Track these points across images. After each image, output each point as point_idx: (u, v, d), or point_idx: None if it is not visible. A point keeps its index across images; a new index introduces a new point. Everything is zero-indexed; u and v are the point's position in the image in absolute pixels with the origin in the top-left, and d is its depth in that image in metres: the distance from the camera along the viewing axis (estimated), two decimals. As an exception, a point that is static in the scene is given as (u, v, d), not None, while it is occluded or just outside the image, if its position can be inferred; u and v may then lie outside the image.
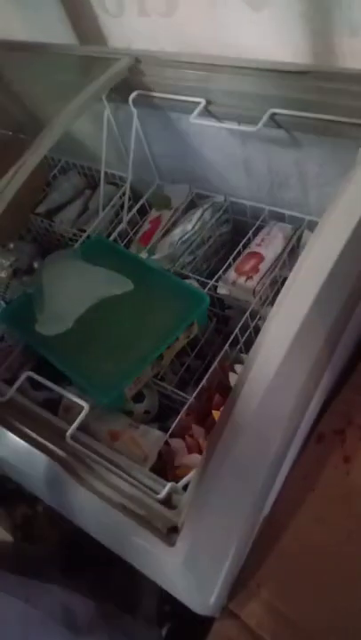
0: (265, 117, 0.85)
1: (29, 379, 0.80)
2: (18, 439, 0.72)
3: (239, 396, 0.63)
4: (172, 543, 0.58)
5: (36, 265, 1.27)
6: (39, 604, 0.65)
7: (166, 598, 1.14)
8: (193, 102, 0.93)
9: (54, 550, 1.36)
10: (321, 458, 0.61)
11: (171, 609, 1.14)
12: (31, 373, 0.79)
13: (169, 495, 0.64)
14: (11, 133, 1.30)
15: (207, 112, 0.92)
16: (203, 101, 0.92)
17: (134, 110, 1.01)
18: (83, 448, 0.70)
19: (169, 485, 0.64)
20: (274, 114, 0.85)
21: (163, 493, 0.64)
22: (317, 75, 0.84)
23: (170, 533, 0.59)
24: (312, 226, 0.98)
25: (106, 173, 1.14)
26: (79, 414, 0.73)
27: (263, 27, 0.94)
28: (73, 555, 1.31)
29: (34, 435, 0.73)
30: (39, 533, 1.45)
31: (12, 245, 1.29)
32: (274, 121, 0.87)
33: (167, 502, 0.63)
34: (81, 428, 0.74)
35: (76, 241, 1.12)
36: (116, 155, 1.13)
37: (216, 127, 0.93)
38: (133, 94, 0.99)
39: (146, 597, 1.15)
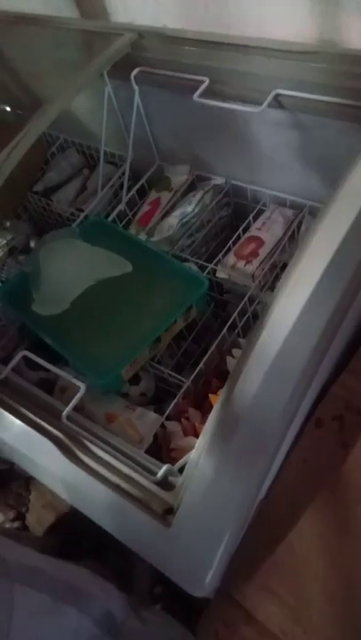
0: (269, 98, 0.83)
1: (25, 358, 0.79)
2: (13, 418, 0.72)
3: (237, 380, 0.63)
4: (167, 524, 0.58)
5: (32, 244, 1.25)
6: (90, 611, 0.65)
7: (158, 580, 1.15)
8: (196, 81, 0.91)
9: (51, 534, 1.37)
10: (319, 443, 0.61)
11: (162, 591, 1.15)
12: (27, 353, 0.79)
13: (165, 477, 0.64)
14: (9, 109, 1.28)
15: (211, 91, 0.90)
16: (207, 80, 0.90)
17: (136, 88, 0.99)
18: (78, 428, 0.70)
19: (165, 467, 0.64)
20: (278, 94, 0.84)
21: (159, 475, 0.64)
22: (323, 56, 0.82)
23: (166, 515, 0.59)
24: (313, 211, 0.97)
25: (105, 152, 1.12)
26: (75, 395, 0.73)
27: (269, 6, 0.92)
28: (68, 538, 1.32)
29: (29, 414, 0.72)
30: (34, 516, 1.45)
31: (8, 224, 1.27)
32: (278, 102, 0.85)
33: (163, 484, 0.63)
34: (77, 409, 0.73)
35: (74, 221, 1.10)
36: (115, 133, 1.11)
37: (219, 107, 0.91)
38: (135, 71, 0.97)
39: (138, 579, 1.16)
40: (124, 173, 1.11)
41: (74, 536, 1.29)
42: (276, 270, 0.96)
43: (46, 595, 0.59)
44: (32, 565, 0.63)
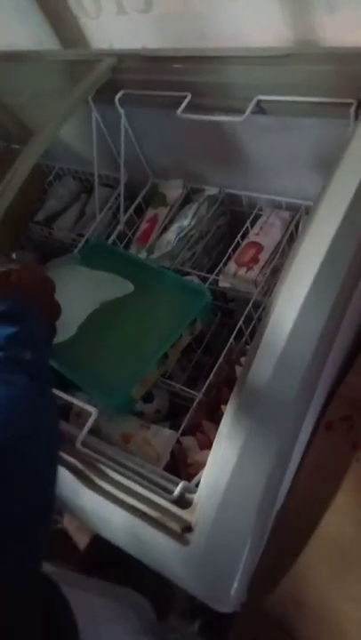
0: (251, 105, 0.84)
1: (37, 388, 0.80)
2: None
3: (243, 388, 0.63)
4: (186, 542, 0.58)
5: (38, 273, 1.27)
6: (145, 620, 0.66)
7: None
8: (179, 96, 0.92)
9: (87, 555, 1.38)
10: (330, 446, 0.61)
11: (201, 603, 1.14)
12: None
13: (182, 494, 0.64)
14: (4, 144, 1.31)
15: (194, 105, 0.91)
16: (189, 95, 0.91)
17: (122, 110, 1.01)
18: (93, 453, 0.70)
19: (181, 485, 0.64)
20: (260, 101, 0.84)
21: (175, 493, 0.64)
22: (300, 57, 0.82)
23: (184, 533, 0.59)
24: (309, 210, 0.97)
25: (100, 176, 1.14)
26: (88, 420, 0.73)
27: (241, 14, 0.92)
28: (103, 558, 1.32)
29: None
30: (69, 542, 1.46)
31: (14, 255, 1.30)
32: (261, 108, 0.86)
33: (180, 501, 0.63)
34: (93, 432, 0.74)
35: (76, 246, 1.12)
36: (107, 156, 1.12)
37: (204, 120, 0.91)
38: (119, 94, 0.98)
39: (179, 591, 1.16)
40: (119, 195, 1.13)
41: (109, 555, 1.30)
42: (279, 274, 0.96)
43: (119, 604, 0.60)
44: (95, 580, 0.64)
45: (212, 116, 0.90)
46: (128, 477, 0.67)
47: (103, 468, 0.69)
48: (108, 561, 1.30)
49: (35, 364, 0.52)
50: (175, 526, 0.60)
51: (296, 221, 0.98)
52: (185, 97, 0.91)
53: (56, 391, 0.78)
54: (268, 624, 0.58)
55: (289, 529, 0.58)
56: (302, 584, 0.56)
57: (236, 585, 0.57)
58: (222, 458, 0.60)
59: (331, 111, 0.80)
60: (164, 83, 0.95)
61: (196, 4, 0.97)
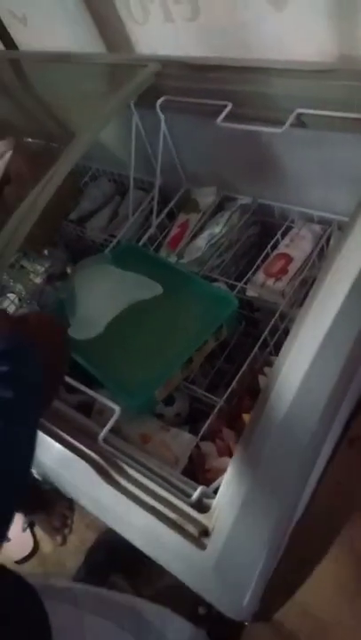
0: (291, 118, 0.84)
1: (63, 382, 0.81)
2: (52, 441, 0.74)
3: (268, 399, 0.63)
4: (203, 547, 0.58)
5: (68, 271, 1.30)
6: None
7: (202, 601, 1.15)
8: (220, 105, 0.93)
9: (93, 552, 1.39)
10: (353, 462, 0.60)
11: (206, 612, 1.14)
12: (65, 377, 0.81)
13: (200, 499, 0.64)
14: (44, 143, 1.34)
15: (234, 115, 0.92)
16: (229, 105, 0.91)
17: (162, 116, 1.02)
18: (114, 450, 0.71)
19: (200, 489, 0.64)
20: (300, 114, 0.85)
21: (194, 497, 0.64)
22: (343, 73, 0.82)
23: (201, 537, 0.60)
24: (342, 226, 0.97)
25: (135, 179, 1.15)
26: (111, 417, 0.74)
27: (286, 26, 0.93)
28: (109, 556, 1.33)
29: (67, 437, 0.75)
30: (78, 537, 1.48)
31: (46, 252, 1.32)
32: (300, 121, 0.86)
33: (198, 505, 0.64)
34: (113, 431, 0.75)
35: (107, 246, 1.13)
36: (144, 160, 1.14)
37: (243, 130, 0.92)
38: (161, 100, 1.00)
39: (180, 599, 1.16)
40: (153, 198, 1.14)
41: (115, 553, 1.30)
42: (307, 286, 0.96)
43: (112, 622, 0.60)
44: (97, 592, 0.64)
45: (252, 126, 0.91)
46: (147, 477, 0.68)
47: (123, 465, 0.70)
48: (114, 561, 1.31)
49: (12, 406, 0.48)
50: (192, 530, 0.60)
51: (328, 235, 0.98)
52: (225, 106, 0.92)
53: (82, 387, 0.80)
54: (279, 636, 0.58)
55: (306, 542, 0.58)
56: (318, 599, 0.56)
57: (249, 593, 0.57)
58: (244, 466, 0.60)
59: (371, 128, 0.81)
60: (206, 91, 0.96)
61: (242, 14, 0.98)
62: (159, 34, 1.13)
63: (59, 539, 1.50)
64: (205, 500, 0.64)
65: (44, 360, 0.53)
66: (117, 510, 0.66)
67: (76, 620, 0.58)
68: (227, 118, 0.91)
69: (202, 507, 0.63)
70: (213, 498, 0.64)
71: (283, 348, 0.66)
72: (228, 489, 0.60)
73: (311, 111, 0.84)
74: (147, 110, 1.04)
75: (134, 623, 0.66)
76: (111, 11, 1.14)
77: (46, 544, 1.53)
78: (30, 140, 1.29)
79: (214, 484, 0.66)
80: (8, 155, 1.10)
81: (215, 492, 0.65)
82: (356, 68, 0.86)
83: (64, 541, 1.50)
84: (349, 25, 0.89)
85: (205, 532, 0.60)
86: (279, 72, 0.89)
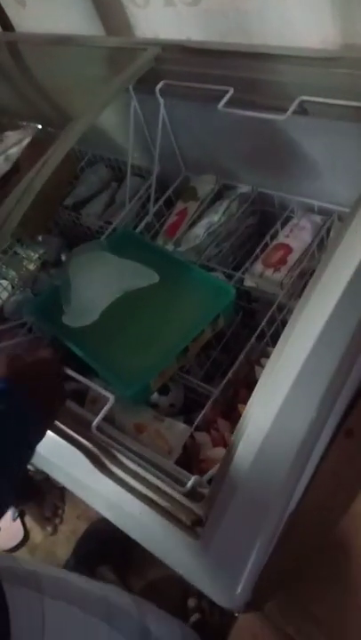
0: (294, 105, 0.83)
1: (56, 370, 0.80)
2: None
3: (265, 390, 0.62)
4: (196, 536, 0.58)
5: (63, 257, 1.28)
6: (121, 626, 0.65)
7: (192, 592, 1.15)
8: (221, 91, 0.91)
9: (84, 542, 1.38)
10: (350, 454, 0.60)
11: (196, 604, 1.14)
12: (58, 364, 0.80)
13: (194, 488, 0.64)
14: (40, 127, 1.32)
15: (235, 101, 0.90)
16: (231, 90, 0.90)
17: (161, 100, 1.00)
18: (108, 439, 0.70)
19: (194, 478, 0.64)
20: (303, 101, 0.83)
21: (188, 486, 0.63)
22: (347, 61, 0.81)
23: (194, 526, 0.59)
24: (343, 217, 0.96)
25: (132, 165, 1.13)
26: (105, 406, 0.73)
27: (289, 13, 0.91)
28: (100, 545, 1.33)
29: (60, 425, 0.73)
30: (69, 527, 1.47)
31: (40, 238, 1.31)
32: (303, 108, 0.85)
33: (192, 495, 0.63)
34: (107, 420, 0.74)
35: (103, 233, 1.12)
36: (142, 146, 1.12)
37: (244, 116, 0.91)
38: (160, 84, 0.98)
39: (171, 590, 1.16)
40: (151, 185, 1.12)
41: (106, 544, 1.30)
42: (306, 278, 0.95)
43: (77, 607, 0.59)
44: (63, 577, 0.63)
45: (253, 112, 0.89)
46: (141, 466, 0.67)
47: (117, 454, 0.69)
48: (104, 551, 1.31)
49: None
50: (186, 519, 0.60)
51: (328, 226, 0.97)
52: (227, 91, 0.90)
53: (75, 375, 0.78)
54: (271, 626, 0.57)
55: (301, 533, 0.57)
56: (312, 591, 0.55)
57: (242, 583, 0.56)
58: (238, 456, 0.60)
59: (374, 117, 0.79)
60: (207, 76, 0.94)
61: (245, 0, 0.96)
62: (160, 18, 1.10)
63: (49, 528, 1.50)
64: (199, 490, 0.64)
65: (37, 404, 0.56)
66: (110, 499, 0.65)
67: (35, 602, 0.57)
68: (228, 104, 0.90)
69: (195, 496, 0.63)
70: (207, 487, 0.63)
71: (280, 340, 0.65)
72: (222, 479, 0.59)
73: (314, 99, 0.82)
74: (146, 95, 1.02)
75: (102, 608, 0.65)
76: (111, -7, 1.12)
77: (37, 534, 1.53)
78: (26, 123, 1.26)
79: (208, 474, 0.66)
80: (26, 142, 1.07)
81: (209, 481, 0.64)
82: (360, 56, 0.84)
83: (55, 531, 1.50)
84: (353, 13, 0.88)
85: (199, 522, 0.59)
86: (282, 59, 0.88)
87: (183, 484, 0.64)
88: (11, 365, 0.59)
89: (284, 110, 0.83)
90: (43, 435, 0.60)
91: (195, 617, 1.07)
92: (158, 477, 0.65)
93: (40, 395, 0.57)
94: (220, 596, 0.58)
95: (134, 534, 0.64)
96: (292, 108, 0.83)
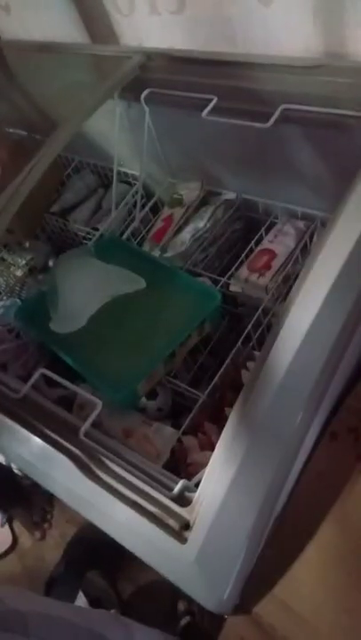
0: (277, 113, 0.84)
1: (44, 376, 0.80)
2: (32, 435, 0.73)
3: (251, 393, 0.63)
4: (184, 540, 0.58)
5: (50, 263, 1.28)
6: None
7: (182, 596, 1.15)
8: (205, 99, 0.92)
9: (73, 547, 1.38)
10: (335, 456, 0.61)
11: (185, 608, 1.14)
12: (45, 371, 0.80)
13: (181, 492, 0.64)
14: (26, 134, 1.32)
15: (219, 109, 0.91)
16: (215, 98, 0.91)
17: (146, 108, 1.01)
18: (96, 445, 0.71)
19: (181, 482, 0.64)
20: (286, 109, 0.85)
21: (175, 490, 0.64)
22: (329, 69, 0.83)
23: (182, 530, 0.60)
24: (326, 222, 0.97)
25: (119, 172, 1.14)
26: (93, 412, 0.74)
27: (273, 21, 0.93)
28: (89, 550, 1.32)
29: (48, 431, 0.74)
30: (58, 531, 1.46)
31: (27, 244, 1.31)
32: (286, 116, 0.86)
33: (180, 499, 0.64)
34: (95, 425, 0.74)
35: (90, 239, 1.12)
36: (128, 153, 1.13)
37: (228, 123, 0.92)
38: (145, 92, 0.99)
39: (160, 594, 1.16)
40: (137, 192, 1.13)
41: (95, 548, 1.30)
42: (290, 282, 0.96)
43: None
44: (50, 615, 0.61)
45: (237, 120, 0.91)
46: (129, 471, 0.67)
47: (105, 460, 0.69)
48: (93, 556, 1.30)
49: None
50: (174, 523, 0.60)
51: (311, 232, 0.98)
52: (211, 100, 0.91)
53: (62, 381, 0.79)
54: (259, 629, 0.58)
55: (287, 535, 0.58)
56: (298, 593, 0.56)
57: (230, 587, 0.57)
58: (225, 460, 0.60)
59: (355, 125, 0.81)
60: (191, 84, 0.95)
61: (228, 7, 0.97)
62: (144, 26, 1.11)
63: (38, 534, 1.49)
64: (187, 494, 0.64)
65: None
66: (98, 505, 0.66)
67: None
68: (212, 112, 0.91)
69: (183, 500, 0.63)
70: (195, 491, 0.64)
71: (265, 343, 0.66)
72: (209, 483, 0.60)
73: (297, 107, 0.84)
74: (131, 102, 1.03)
75: None
76: (96, 1, 1.12)
77: (26, 539, 1.52)
78: (12, 130, 1.27)
79: (196, 478, 0.66)
80: None
81: (197, 485, 0.65)
82: (342, 64, 0.86)
83: (43, 536, 1.49)
84: (336, 21, 0.89)
85: (187, 526, 0.60)
86: (265, 67, 0.89)
87: (171, 489, 0.64)
88: None
89: (267, 118, 0.85)
90: None
91: (185, 620, 1.07)
92: (146, 482, 0.65)
93: None
94: (209, 601, 0.58)
95: (122, 540, 0.64)
96: (274, 117, 0.84)
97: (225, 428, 0.63)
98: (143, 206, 1.14)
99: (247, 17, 0.97)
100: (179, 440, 0.81)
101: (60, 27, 1.26)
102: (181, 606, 1.14)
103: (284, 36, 0.94)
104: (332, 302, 0.65)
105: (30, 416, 0.76)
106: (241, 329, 0.97)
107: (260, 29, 0.96)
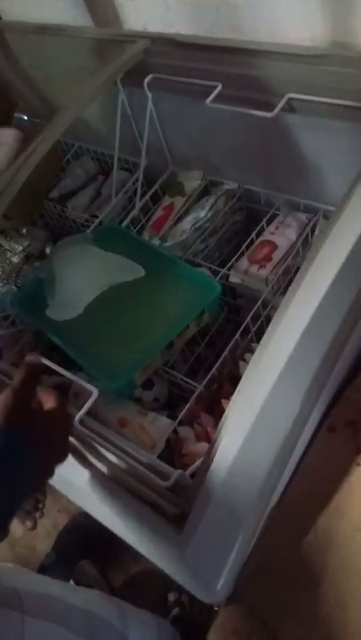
0: (282, 102, 0.83)
1: (40, 363, 0.79)
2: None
3: (249, 385, 0.62)
4: (178, 530, 0.58)
5: (48, 250, 1.27)
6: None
7: (172, 586, 1.15)
8: (209, 86, 0.91)
9: (64, 536, 1.37)
10: (333, 449, 0.61)
11: (176, 598, 1.15)
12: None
13: (177, 482, 0.63)
14: (25, 118, 1.30)
15: (223, 96, 0.90)
16: (219, 85, 0.90)
17: (149, 94, 1.00)
18: (91, 433, 0.70)
19: (177, 473, 0.64)
20: (291, 98, 0.84)
21: (171, 480, 0.63)
22: (336, 59, 0.81)
23: (177, 520, 0.59)
24: (328, 215, 0.97)
25: (119, 159, 1.12)
26: (88, 400, 0.73)
27: (280, 10, 0.92)
28: (81, 539, 1.32)
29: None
30: (50, 520, 1.46)
31: (24, 230, 1.29)
32: (291, 106, 0.85)
33: (175, 489, 0.63)
34: (90, 413, 0.73)
35: (89, 227, 1.11)
36: (129, 140, 1.12)
37: (232, 112, 0.91)
38: (148, 78, 0.97)
39: (151, 584, 1.16)
40: (137, 179, 1.12)
41: (87, 538, 1.30)
42: (290, 275, 0.96)
43: (59, 626, 0.58)
44: (45, 593, 0.62)
45: (241, 108, 0.89)
46: (124, 460, 0.66)
47: (99, 448, 0.68)
48: (85, 545, 1.30)
49: None
50: (168, 513, 0.59)
51: (313, 224, 0.98)
52: (215, 87, 0.90)
53: (59, 369, 0.78)
54: (250, 620, 0.58)
55: (282, 527, 0.58)
56: (291, 585, 0.56)
57: (223, 577, 0.57)
58: (222, 451, 0.60)
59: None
60: (195, 70, 0.94)
61: (235, -5, 0.96)
62: (149, 10, 1.10)
63: (29, 523, 1.48)
64: (182, 484, 0.63)
65: (38, 459, 0.53)
66: (92, 493, 0.65)
67: (14, 623, 0.55)
68: (216, 99, 0.89)
69: (179, 490, 0.62)
70: (190, 482, 0.63)
71: (264, 336, 0.65)
72: (205, 473, 0.59)
73: (302, 96, 0.83)
74: (134, 88, 1.01)
75: (86, 625, 0.63)
76: (101, -17, 1.11)
77: (17, 528, 1.51)
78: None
79: (191, 469, 0.66)
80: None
81: (192, 476, 0.64)
82: (349, 54, 0.85)
83: (35, 525, 1.48)
84: (343, 11, 0.88)
85: (181, 516, 0.59)
86: (272, 55, 0.87)
87: (166, 479, 0.64)
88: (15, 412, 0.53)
89: (272, 107, 0.84)
90: (32, 488, 0.56)
91: (175, 611, 1.07)
92: (141, 471, 0.65)
93: (43, 445, 0.54)
94: (201, 591, 0.58)
95: (116, 529, 0.64)
96: (279, 106, 0.83)
97: (221, 420, 0.62)
98: (143, 194, 1.13)
99: (254, 5, 0.96)
100: (174, 431, 0.80)
101: (62, 10, 1.25)
102: (172, 597, 1.14)
103: (291, 25, 0.93)
104: (333, 296, 0.64)
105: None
106: (239, 321, 0.96)
107: (266, 16, 0.95)
